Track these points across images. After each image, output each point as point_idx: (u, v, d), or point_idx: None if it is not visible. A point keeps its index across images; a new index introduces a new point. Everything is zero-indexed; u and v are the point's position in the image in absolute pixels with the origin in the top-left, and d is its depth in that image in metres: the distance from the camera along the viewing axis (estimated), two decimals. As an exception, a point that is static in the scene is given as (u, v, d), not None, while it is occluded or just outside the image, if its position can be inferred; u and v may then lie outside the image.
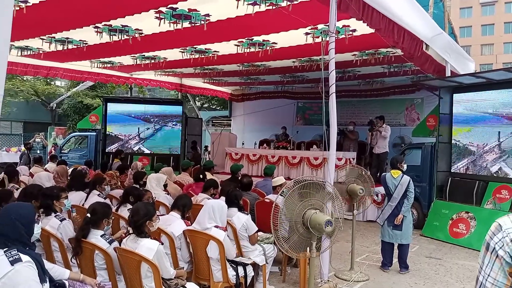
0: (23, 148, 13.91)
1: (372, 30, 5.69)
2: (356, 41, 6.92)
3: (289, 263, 5.34)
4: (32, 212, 2.53)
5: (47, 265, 2.70)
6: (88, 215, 3.38)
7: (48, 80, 20.63)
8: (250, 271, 4.21)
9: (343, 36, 6.60)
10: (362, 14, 4.96)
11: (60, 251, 3.62)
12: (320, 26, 6.31)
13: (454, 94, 8.27)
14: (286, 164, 10.34)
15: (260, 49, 7.77)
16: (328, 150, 4.84)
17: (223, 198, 4.89)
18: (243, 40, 7.36)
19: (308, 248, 3.48)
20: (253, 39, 7.27)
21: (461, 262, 6.18)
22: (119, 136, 12.21)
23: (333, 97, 4.58)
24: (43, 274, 2.43)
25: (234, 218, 4.45)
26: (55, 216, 3.83)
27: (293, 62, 9.08)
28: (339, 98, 4.86)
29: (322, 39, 6.70)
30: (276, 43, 7.48)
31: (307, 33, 6.72)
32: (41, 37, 7.27)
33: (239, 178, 6.42)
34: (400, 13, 5.76)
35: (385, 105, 12.60)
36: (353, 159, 9.77)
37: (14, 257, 2.30)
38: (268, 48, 7.69)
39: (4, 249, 2.32)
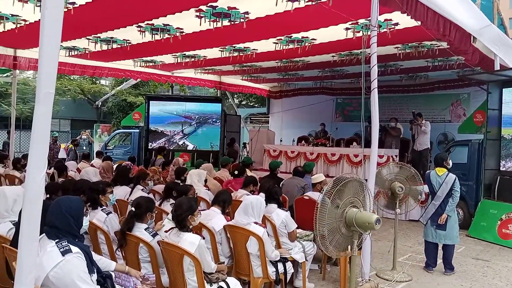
0: (70, 144, 14.56)
1: (416, 23, 5.51)
2: (398, 35, 6.72)
3: (329, 261, 5.29)
4: (81, 205, 2.64)
5: (95, 256, 2.81)
6: (133, 209, 3.49)
7: (94, 79, 21.42)
8: (290, 268, 4.20)
9: (385, 30, 6.43)
10: (406, 7, 4.81)
11: (106, 244, 3.76)
12: (361, 21, 6.18)
13: (503, 89, 7.87)
14: (325, 161, 10.24)
15: (298, 46, 7.71)
16: (369, 147, 4.75)
17: (262, 194, 4.91)
18: (282, 37, 7.33)
19: (349, 247, 3.43)
20: (291, 36, 7.22)
21: (511, 264, 5.88)
22: (165, 132, 12.55)
23: (375, 92, 4.48)
24: (91, 265, 2.53)
25: (273, 214, 4.46)
26: (101, 210, 3.99)
27: (333, 56, 8.94)
28: (380, 94, 4.76)
29: (363, 33, 6.56)
30: (315, 39, 7.39)
31: (347, 28, 6.60)
32: (87, 37, 7.56)
33: (300, 171, 6.45)
34: (445, 4, 5.53)
35: (429, 100, 12.18)
36: (396, 156, 9.52)
37: (64, 248, 2.40)
38: (307, 44, 7.62)
39: (56, 240, 2.43)
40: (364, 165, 8.76)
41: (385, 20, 6.09)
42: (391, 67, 9.84)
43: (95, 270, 2.59)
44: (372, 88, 4.48)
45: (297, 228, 4.57)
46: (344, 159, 9.89)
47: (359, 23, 6.29)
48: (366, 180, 4.62)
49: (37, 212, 2.08)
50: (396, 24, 6.32)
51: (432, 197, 5.43)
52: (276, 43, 7.65)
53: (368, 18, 4.84)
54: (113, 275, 2.93)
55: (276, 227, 4.37)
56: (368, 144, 5.26)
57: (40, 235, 2.26)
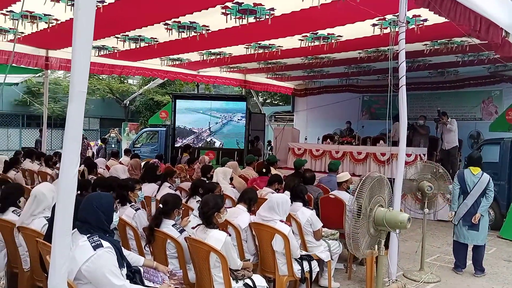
0: (99, 142, 14.94)
1: (446, 19, 5.37)
2: (427, 31, 6.56)
3: (355, 260, 5.24)
4: (111, 201, 2.72)
5: (124, 251, 2.88)
6: (161, 205, 3.55)
7: (122, 79, 21.86)
8: (315, 267, 4.19)
9: (413, 26, 6.30)
10: (435, 3, 4.69)
11: (135, 239, 3.85)
12: (388, 17, 6.08)
13: (538, 85, 7.60)
14: (351, 160, 10.11)
15: (324, 43, 7.64)
16: (397, 145, 4.67)
17: (287, 192, 4.91)
18: (307, 34, 7.28)
19: (376, 246, 3.38)
20: (317, 33, 7.16)
21: (546, 267, 5.68)
22: (193, 130, 12.71)
23: (403, 90, 4.41)
24: (121, 259, 2.60)
25: (298, 212, 4.46)
26: (130, 206, 4.08)
27: (359, 53, 8.83)
28: (408, 91, 4.67)
29: (390, 30, 6.45)
30: (341, 36, 7.31)
31: (374, 24, 6.50)
32: (116, 35, 7.71)
33: (303, 173, 6.41)
34: (476, -1, 5.36)
35: (459, 98, 11.87)
36: (424, 155, 9.33)
37: (96, 242, 2.47)
38: (333, 41, 7.55)
39: (87, 235, 2.51)
40: (391, 164, 8.61)
41: (414, 16, 5.97)
42: (419, 62, 9.65)
43: (125, 265, 2.66)
44: (400, 85, 4.41)
45: (322, 226, 4.55)
46: (370, 158, 9.75)
47: (386, 19, 6.19)
48: (393, 179, 4.56)
49: (71, 207, 2.14)
50: (425, 20, 6.19)
51: (464, 196, 5.30)
52: (302, 40, 7.61)
53: (396, 14, 4.75)
54: (142, 270, 2.99)
55: (301, 226, 4.37)
56: (395, 143, 5.18)
57: (72, 230, 2.33)
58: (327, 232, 4.74)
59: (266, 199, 4.33)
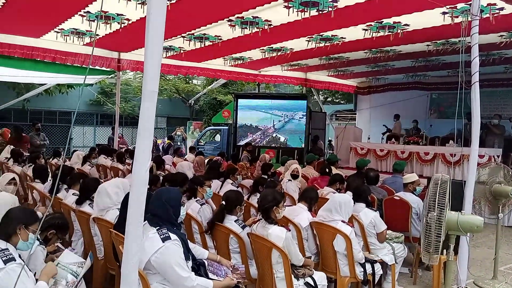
0: (167, 140, 15.63)
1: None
2: (503, 21, 6.07)
3: (421, 265, 5.03)
4: (179, 196, 2.85)
5: (190, 245, 3.00)
6: (223, 202, 3.65)
7: (187, 79, 22.65)
8: (378, 269, 4.08)
9: (488, 15, 5.86)
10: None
11: (199, 233, 3.98)
12: (459, 5, 5.71)
13: None
14: (418, 161, 9.68)
15: (390, 33, 7.28)
16: (469, 146, 4.42)
17: (349, 193, 4.83)
18: (372, 23, 6.92)
19: (445, 251, 3.23)
20: (382, 21, 6.79)
21: None
22: (259, 127, 12.91)
23: (476, 87, 4.15)
24: (187, 252, 2.72)
25: (361, 214, 4.36)
26: (196, 201, 4.25)
27: (427, 45, 8.34)
28: (481, 88, 4.38)
29: (462, 19, 6.05)
30: (408, 25, 6.89)
31: (444, 13, 6.08)
32: (182, 35, 7.92)
33: (366, 172, 6.27)
34: None
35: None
36: (498, 156, 8.71)
37: (164, 235, 2.60)
38: (399, 31, 7.18)
39: (157, 228, 2.65)
40: (462, 166, 8.13)
41: (488, 4, 5.54)
42: (494, 56, 8.96)
43: (190, 257, 2.77)
44: (473, 82, 4.15)
45: (386, 229, 4.42)
46: (439, 159, 9.26)
47: (457, 8, 5.81)
48: (464, 181, 4.33)
49: (143, 200, 2.26)
50: (501, 9, 5.73)
51: (546, 202, 4.89)
52: (366, 29, 7.25)
53: (469, 2, 4.44)
54: (206, 263, 3.10)
55: (364, 227, 4.27)
56: (467, 143, 4.89)
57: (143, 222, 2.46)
58: (391, 234, 4.59)
59: (327, 198, 4.29)
